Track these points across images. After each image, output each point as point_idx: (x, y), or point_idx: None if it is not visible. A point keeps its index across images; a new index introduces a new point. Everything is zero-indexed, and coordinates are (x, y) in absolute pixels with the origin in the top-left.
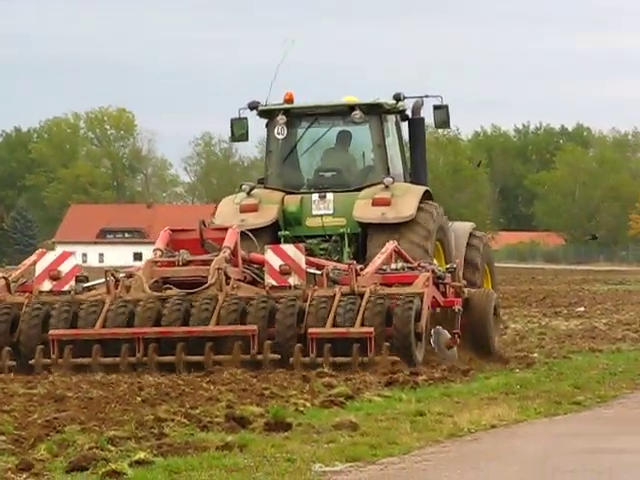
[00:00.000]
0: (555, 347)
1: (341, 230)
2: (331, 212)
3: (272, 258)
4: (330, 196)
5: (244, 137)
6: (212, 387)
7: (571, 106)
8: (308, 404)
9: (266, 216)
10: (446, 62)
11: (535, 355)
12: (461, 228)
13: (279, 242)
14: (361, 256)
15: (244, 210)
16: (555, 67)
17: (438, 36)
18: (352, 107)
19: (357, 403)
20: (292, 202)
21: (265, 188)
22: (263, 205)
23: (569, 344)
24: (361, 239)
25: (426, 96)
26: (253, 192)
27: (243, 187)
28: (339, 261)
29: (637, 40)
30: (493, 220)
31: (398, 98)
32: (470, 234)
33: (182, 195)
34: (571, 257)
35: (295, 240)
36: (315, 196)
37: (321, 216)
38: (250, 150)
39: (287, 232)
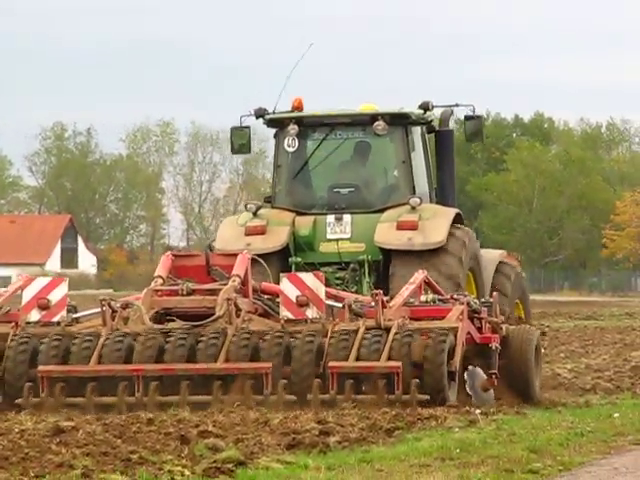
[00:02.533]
0: (505, 399)
1: (360, 257)
2: (348, 236)
3: (288, 288)
4: (347, 218)
5: (245, 148)
6: (64, 450)
7: (528, 91)
8: (187, 472)
9: (275, 240)
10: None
11: (479, 411)
12: (489, 255)
13: (290, 269)
14: (383, 287)
15: (250, 233)
16: (508, 42)
17: None
18: (374, 117)
19: (250, 471)
20: (304, 224)
21: (273, 208)
22: (271, 227)
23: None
24: (383, 268)
25: (456, 105)
26: (259, 212)
27: (248, 206)
28: (357, 292)
29: (608, 13)
30: None
31: (426, 107)
32: (500, 262)
33: (26, 202)
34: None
35: (307, 268)
36: (330, 217)
37: (337, 240)
38: (115, 145)
39: (299, 258)
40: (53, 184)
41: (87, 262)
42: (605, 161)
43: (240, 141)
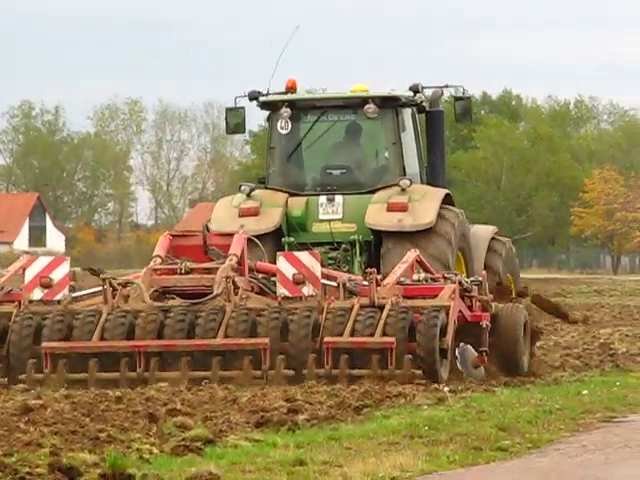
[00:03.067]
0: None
1: (351, 237)
2: (340, 217)
3: (285, 266)
4: (339, 199)
5: (240, 128)
6: (32, 428)
7: (495, 68)
8: (156, 450)
9: (268, 221)
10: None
11: (447, 388)
12: (481, 232)
13: (282, 249)
14: (374, 266)
15: (244, 214)
16: (470, 17)
17: None
18: (365, 100)
19: (219, 449)
20: (297, 205)
21: (266, 188)
22: (265, 209)
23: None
24: (374, 248)
25: (446, 86)
26: (253, 194)
27: (242, 188)
28: (349, 271)
29: None
30: None
31: (416, 90)
32: (492, 239)
33: None
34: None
35: (300, 248)
36: (322, 198)
37: (329, 221)
38: (83, 123)
39: (292, 239)
40: (21, 162)
41: (55, 240)
42: (573, 138)
43: (235, 121)
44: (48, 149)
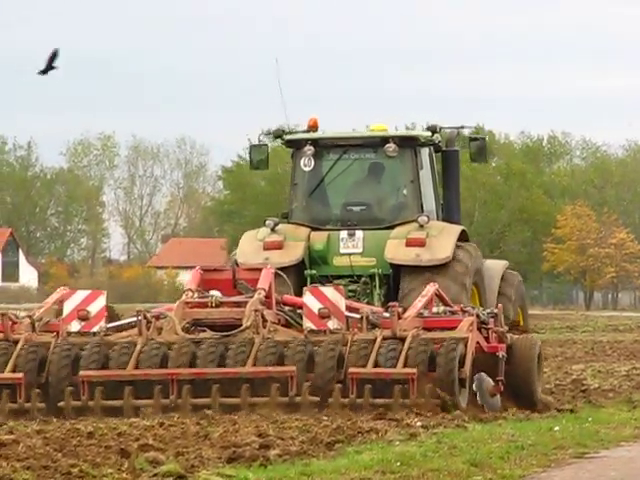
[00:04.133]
0: (446, 413)
1: (371, 271)
2: (360, 251)
3: (311, 301)
4: (359, 234)
5: (263, 165)
6: (4, 463)
7: (467, 102)
8: None
9: (292, 254)
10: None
11: (419, 423)
12: (494, 266)
13: (305, 282)
14: (392, 299)
15: (268, 247)
16: (445, 50)
17: None
18: (385, 139)
19: None
20: (319, 239)
21: (289, 223)
22: (288, 242)
23: (463, 410)
24: (392, 281)
25: (462, 127)
26: (277, 228)
27: (267, 222)
28: (369, 303)
29: (545, 26)
30: None
31: (434, 130)
32: (504, 274)
33: None
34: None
35: (322, 280)
36: (343, 233)
37: (349, 255)
38: (56, 159)
39: (314, 271)
40: None
41: (28, 275)
42: (546, 174)
43: (258, 157)
44: (21, 184)
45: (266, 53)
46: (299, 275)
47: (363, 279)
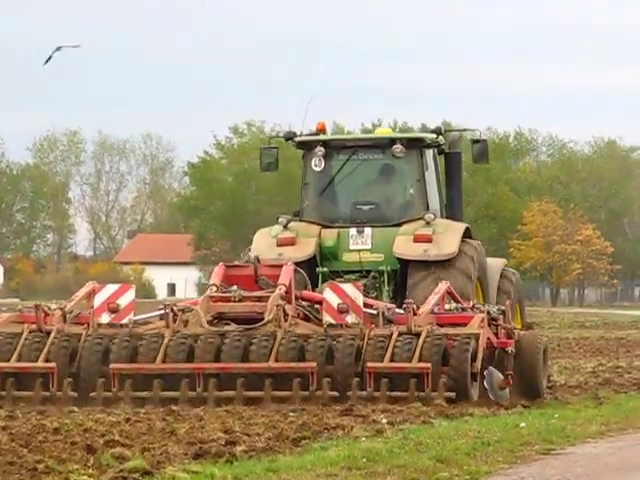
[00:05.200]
0: (412, 409)
1: (380, 267)
2: (369, 247)
3: (330, 296)
4: (368, 231)
5: (273, 167)
6: None
7: (431, 99)
8: None
9: (304, 250)
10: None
11: (385, 420)
12: (493, 264)
13: (317, 277)
14: (400, 293)
15: (281, 244)
16: (407, 46)
17: None
18: (393, 140)
19: None
20: (329, 236)
21: (301, 221)
22: (301, 239)
23: (430, 406)
24: (400, 276)
25: (464, 130)
26: (290, 225)
27: (280, 220)
28: (377, 298)
29: (512, 22)
30: None
31: (438, 132)
32: (503, 271)
33: None
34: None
35: (332, 276)
36: (353, 230)
37: (359, 251)
38: (22, 154)
39: (325, 267)
40: None
41: None
42: (512, 171)
43: (268, 160)
44: None
45: (233, 51)
46: (311, 270)
47: (372, 274)
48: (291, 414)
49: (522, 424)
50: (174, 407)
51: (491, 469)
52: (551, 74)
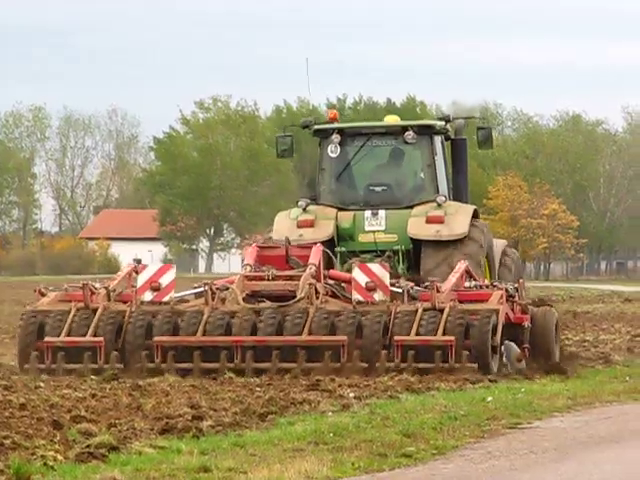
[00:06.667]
0: (379, 384)
1: (396, 247)
2: (383, 228)
3: (359, 275)
4: (382, 213)
5: (288, 153)
6: None
7: (401, 74)
8: (60, 457)
9: (323, 231)
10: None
11: (352, 394)
12: (496, 244)
13: (335, 256)
14: (413, 271)
15: (301, 225)
16: (379, 26)
17: None
18: (405, 127)
19: (123, 456)
20: (345, 218)
21: (318, 204)
22: (319, 221)
23: (396, 381)
24: (413, 255)
25: (471, 117)
26: (308, 208)
27: (299, 203)
28: (392, 275)
29: None
30: None
31: (447, 119)
32: (503, 251)
33: None
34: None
35: (349, 255)
36: (367, 213)
37: (373, 232)
38: None
39: (342, 247)
40: None
41: None
42: None
43: (283, 147)
44: None
45: (197, 24)
46: (330, 250)
47: (387, 253)
48: (257, 389)
49: (489, 398)
50: (140, 382)
51: (458, 443)
52: (517, 49)
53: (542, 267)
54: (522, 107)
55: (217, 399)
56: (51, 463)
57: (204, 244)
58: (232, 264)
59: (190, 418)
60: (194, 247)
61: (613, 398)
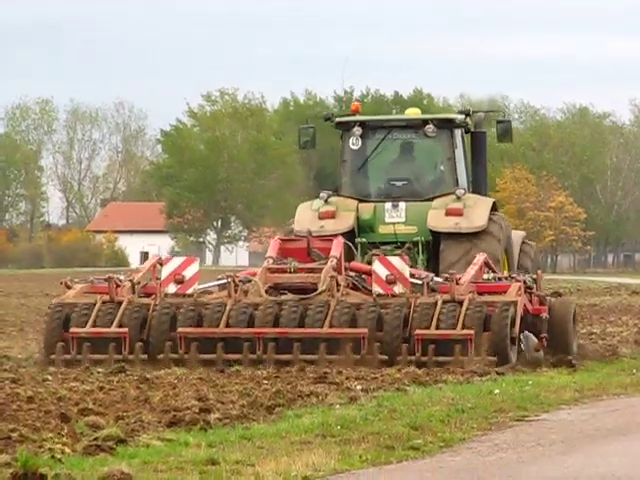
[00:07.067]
0: (386, 376)
1: (415, 238)
2: (403, 220)
3: (379, 268)
4: (402, 205)
5: (310, 144)
6: None
7: (407, 67)
8: (68, 450)
9: (344, 223)
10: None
11: (359, 387)
12: (515, 236)
13: (356, 248)
14: (432, 263)
15: (323, 217)
16: (384, 16)
17: None
18: (425, 121)
19: (131, 449)
20: (366, 210)
21: (339, 196)
22: (340, 212)
23: (403, 373)
24: (433, 247)
25: (490, 111)
26: (329, 200)
27: (321, 195)
28: (411, 267)
29: None
30: None
31: (467, 113)
32: (522, 242)
33: None
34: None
35: (369, 246)
36: (388, 205)
37: (394, 224)
38: None
39: (363, 239)
40: None
41: None
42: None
43: (306, 138)
44: None
45: (205, 18)
46: (350, 241)
47: (407, 245)
48: (265, 382)
49: (496, 391)
50: (148, 375)
51: (465, 436)
52: (523, 41)
53: (549, 260)
54: (529, 99)
55: (224, 392)
56: (59, 456)
57: (211, 237)
58: (239, 257)
59: (197, 411)
60: (201, 240)
61: (620, 391)
